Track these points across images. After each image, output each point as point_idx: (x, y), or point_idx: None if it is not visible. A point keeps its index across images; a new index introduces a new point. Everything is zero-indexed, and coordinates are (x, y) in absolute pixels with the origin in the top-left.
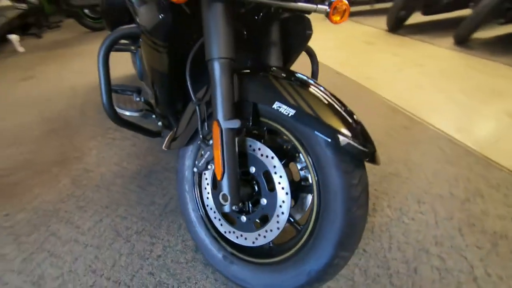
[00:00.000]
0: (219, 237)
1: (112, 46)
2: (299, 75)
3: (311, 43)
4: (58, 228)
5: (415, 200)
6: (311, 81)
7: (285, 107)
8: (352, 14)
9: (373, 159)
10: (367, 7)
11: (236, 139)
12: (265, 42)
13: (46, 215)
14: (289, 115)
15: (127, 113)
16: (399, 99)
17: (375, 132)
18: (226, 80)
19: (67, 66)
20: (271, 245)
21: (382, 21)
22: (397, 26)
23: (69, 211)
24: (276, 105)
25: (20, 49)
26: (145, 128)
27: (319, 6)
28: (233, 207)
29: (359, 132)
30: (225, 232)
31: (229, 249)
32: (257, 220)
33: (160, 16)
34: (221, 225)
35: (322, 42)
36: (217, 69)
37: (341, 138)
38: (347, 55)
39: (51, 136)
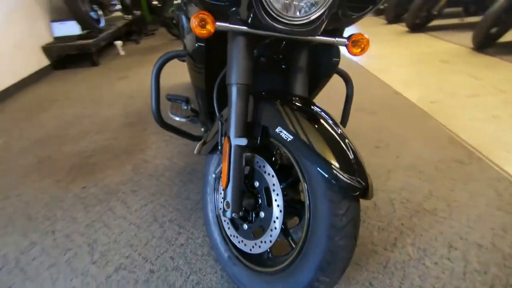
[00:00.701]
0: (227, 239)
1: (163, 65)
2: (309, 104)
3: (379, 57)
4: (115, 205)
5: (445, 244)
6: (320, 112)
7: (285, 132)
8: (435, 29)
9: (363, 194)
10: (454, 21)
11: (244, 155)
12: (290, 68)
13: (109, 193)
14: (288, 140)
15: (177, 118)
16: (462, 130)
17: (421, 162)
18: (240, 103)
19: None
20: (270, 256)
21: (468, 38)
22: (485, 44)
23: (125, 193)
24: (278, 129)
25: (122, 52)
26: (187, 132)
27: (338, 39)
28: (233, 215)
29: (352, 165)
30: (230, 235)
31: (234, 251)
32: (258, 230)
33: (197, 45)
34: (228, 228)
35: (390, 58)
36: (234, 92)
37: (330, 169)
38: (415, 74)
39: (127, 128)
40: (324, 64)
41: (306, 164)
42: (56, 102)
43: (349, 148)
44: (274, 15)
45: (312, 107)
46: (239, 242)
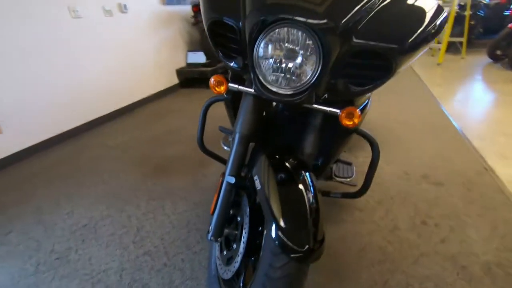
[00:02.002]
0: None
1: (209, 105)
2: (295, 164)
3: (485, 117)
4: (166, 204)
5: None
6: (300, 173)
7: (258, 181)
8: None
9: (299, 258)
10: None
11: (233, 191)
12: (305, 126)
13: (168, 193)
14: (258, 188)
15: (225, 147)
16: None
17: (470, 258)
18: (239, 148)
19: None
20: (241, 285)
21: None
22: None
23: (178, 196)
24: (256, 177)
25: None
26: (223, 158)
27: (331, 109)
28: (212, 238)
29: (299, 230)
30: (216, 257)
31: (218, 272)
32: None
33: (225, 95)
34: (217, 250)
35: (498, 122)
36: (236, 139)
37: (275, 226)
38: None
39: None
40: (339, 126)
41: (265, 214)
42: (171, 113)
43: (307, 215)
44: (268, 85)
45: (295, 167)
46: (219, 264)
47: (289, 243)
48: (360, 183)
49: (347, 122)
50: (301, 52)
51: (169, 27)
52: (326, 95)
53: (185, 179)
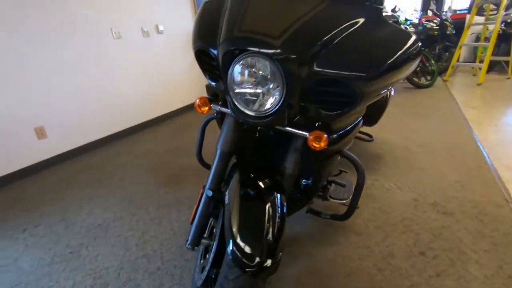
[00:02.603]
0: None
1: (206, 123)
2: (266, 184)
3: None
4: (172, 212)
5: None
6: (270, 192)
7: (227, 196)
8: None
9: (253, 273)
10: None
11: (212, 203)
12: (281, 151)
13: (177, 202)
14: (226, 202)
15: None
16: None
17: None
18: (219, 164)
19: None
20: None
21: None
22: None
23: (185, 205)
24: (227, 192)
25: None
26: None
27: (300, 132)
28: (188, 246)
29: (254, 245)
30: (196, 265)
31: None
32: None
33: (215, 113)
34: (199, 258)
35: None
36: (217, 155)
37: (232, 239)
38: None
39: (209, 156)
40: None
41: (225, 228)
42: (196, 125)
43: (264, 232)
44: (241, 108)
45: (267, 186)
46: (196, 272)
47: (241, 257)
48: (360, 204)
49: (315, 145)
50: (268, 78)
51: None
52: (299, 118)
53: (194, 190)
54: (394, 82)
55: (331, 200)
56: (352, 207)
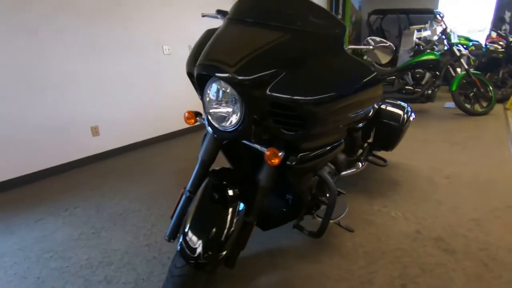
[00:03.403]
0: None
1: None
2: (237, 195)
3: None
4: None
5: None
6: (237, 203)
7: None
8: None
9: (196, 265)
10: None
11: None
12: (259, 165)
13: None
14: (192, 203)
15: None
16: None
17: None
18: (198, 170)
19: None
20: None
21: None
22: None
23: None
24: (197, 193)
25: None
26: None
27: (261, 147)
28: (166, 238)
29: (202, 241)
30: None
31: None
32: None
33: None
34: None
35: None
36: (198, 163)
37: (182, 235)
38: None
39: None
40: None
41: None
42: None
43: (215, 232)
44: (213, 122)
45: (235, 195)
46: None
47: (186, 249)
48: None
49: (269, 161)
50: (231, 99)
51: None
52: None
53: None
54: (348, 109)
55: (317, 218)
56: (323, 226)
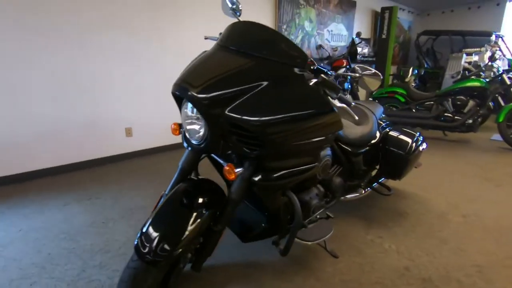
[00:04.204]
0: None
1: None
2: (205, 204)
3: None
4: None
5: None
6: (204, 210)
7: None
8: None
9: (146, 261)
10: None
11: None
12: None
13: None
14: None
15: None
16: None
17: None
18: (177, 177)
19: None
20: None
21: None
22: None
23: None
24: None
25: None
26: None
27: (221, 161)
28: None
29: (156, 242)
30: None
31: None
32: None
33: None
34: None
35: None
36: (177, 169)
37: (140, 234)
38: None
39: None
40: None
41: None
42: None
43: (171, 234)
44: (187, 135)
45: (203, 203)
46: None
47: (140, 245)
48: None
49: (226, 175)
50: (199, 116)
51: None
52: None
53: None
54: (301, 133)
55: (296, 239)
56: (287, 245)
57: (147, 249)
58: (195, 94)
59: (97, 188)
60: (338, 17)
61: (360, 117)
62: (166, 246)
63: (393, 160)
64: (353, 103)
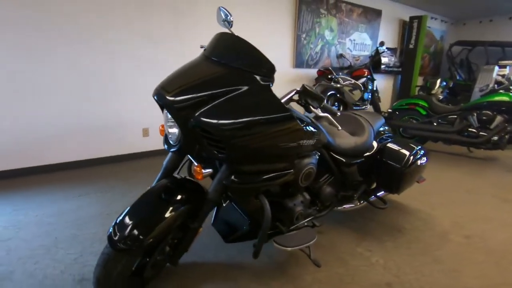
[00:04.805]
0: None
1: None
2: (181, 200)
3: None
4: None
5: None
6: (179, 206)
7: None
8: None
9: (116, 248)
10: None
11: None
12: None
13: None
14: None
15: None
16: None
17: None
18: (161, 175)
19: None
20: None
21: None
22: None
23: None
24: None
25: None
26: None
27: (194, 161)
28: None
29: (127, 231)
30: None
31: None
32: None
33: None
34: None
35: None
36: (161, 169)
37: (115, 222)
38: None
39: None
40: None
41: None
42: None
43: (142, 224)
44: (169, 138)
45: (180, 199)
46: None
47: (111, 233)
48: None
49: (195, 175)
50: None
51: (293, 84)
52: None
53: None
54: (263, 139)
55: (274, 244)
56: (256, 249)
57: (118, 237)
58: (167, 98)
59: (110, 182)
60: (362, 26)
61: (355, 128)
62: (136, 235)
63: (388, 173)
64: (338, 113)
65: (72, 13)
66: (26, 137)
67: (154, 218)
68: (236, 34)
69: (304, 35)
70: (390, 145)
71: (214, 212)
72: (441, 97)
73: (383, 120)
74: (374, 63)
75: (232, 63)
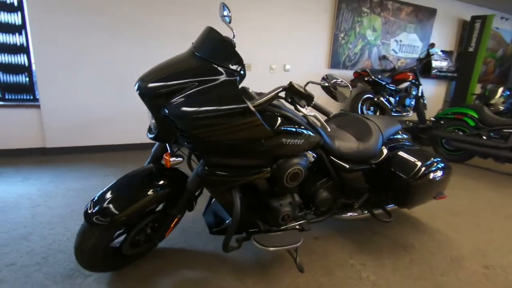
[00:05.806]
0: None
1: None
2: (165, 184)
3: None
4: None
5: None
6: (152, 191)
7: None
8: None
9: (90, 222)
10: None
11: None
12: None
13: None
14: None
15: None
16: None
17: None
18: (147, 161)
19: None
20: None
21: None
22: None
23: None
24: None
25: None
26: None
27: (169, 149)
28: None
29: (104, 207)
30: None
31: None
32: None
33: None
34: None
35: None
36: (150, 156)
37: (93, 199)
38: None
39: None
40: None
41: None
42: None
43: (117, 201)
44: (151, 128)
45: (161, 183)
46: None
47: (87, 209)
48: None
49: (164, 161)
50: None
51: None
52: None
53: None
54: (220, 132)
55: (253, 242)
56: (224, 243)
57: (92, 212)
58: (141, 87)
59: (114, 167)
60: (411, 26)
61: (361, 132)
62: (109, 212)
63: (394, 183)
64: (331, 114)
65: (133, 16)
66: (86, 120)
67: (130, 197)
68: (214, 29)
69: (342, 35)
70: (400, 153)
71: (206, 203)
72: (501, 108)
73: (399, 127)
74: (423, 66)
75: (205, 56)
